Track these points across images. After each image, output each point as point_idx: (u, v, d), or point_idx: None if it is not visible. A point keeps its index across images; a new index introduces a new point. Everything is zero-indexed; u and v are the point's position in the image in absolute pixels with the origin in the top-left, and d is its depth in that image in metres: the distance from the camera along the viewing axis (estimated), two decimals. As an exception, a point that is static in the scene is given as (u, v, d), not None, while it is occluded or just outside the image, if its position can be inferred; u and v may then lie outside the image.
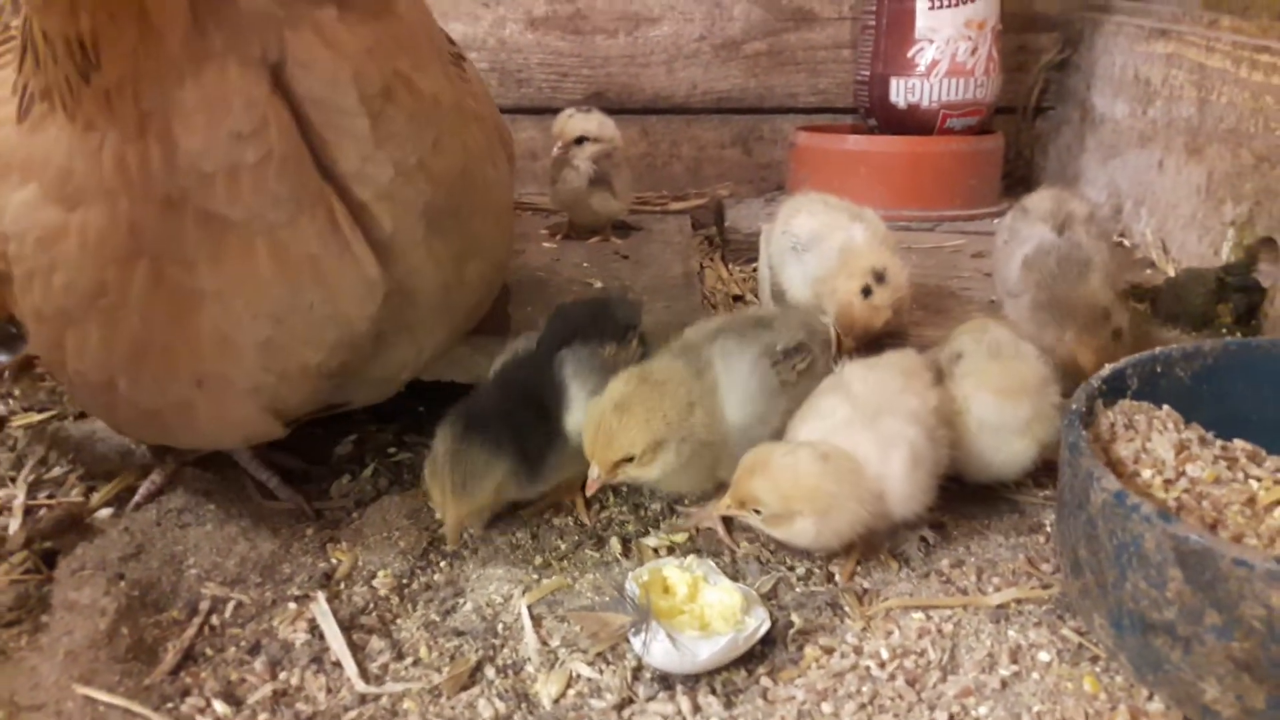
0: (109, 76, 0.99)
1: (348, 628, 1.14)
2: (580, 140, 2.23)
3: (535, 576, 1.22)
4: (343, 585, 1.22)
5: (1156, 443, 1.13)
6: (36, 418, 1.61)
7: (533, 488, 1.30)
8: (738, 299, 2.21)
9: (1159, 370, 1.21)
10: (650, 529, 1.32)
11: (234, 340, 1.09)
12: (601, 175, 2.27)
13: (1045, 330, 1.51)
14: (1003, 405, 1.29)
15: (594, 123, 2.25)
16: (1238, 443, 1.19)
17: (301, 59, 1.01)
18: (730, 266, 2.42)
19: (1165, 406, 1.19)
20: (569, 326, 1.36)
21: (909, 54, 2.43)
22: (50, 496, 1.41)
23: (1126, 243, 2.29)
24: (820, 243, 1.68)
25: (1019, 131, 2.85)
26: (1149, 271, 2.09)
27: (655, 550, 1.26)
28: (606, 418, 1.21)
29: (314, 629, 1.14)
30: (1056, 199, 1.73)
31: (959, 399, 1.31)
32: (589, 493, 1.30)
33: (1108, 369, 1.19)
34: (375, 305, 1.12)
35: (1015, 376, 1.30)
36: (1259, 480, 1.11)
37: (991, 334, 1.37)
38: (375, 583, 1.22)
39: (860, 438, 1.20)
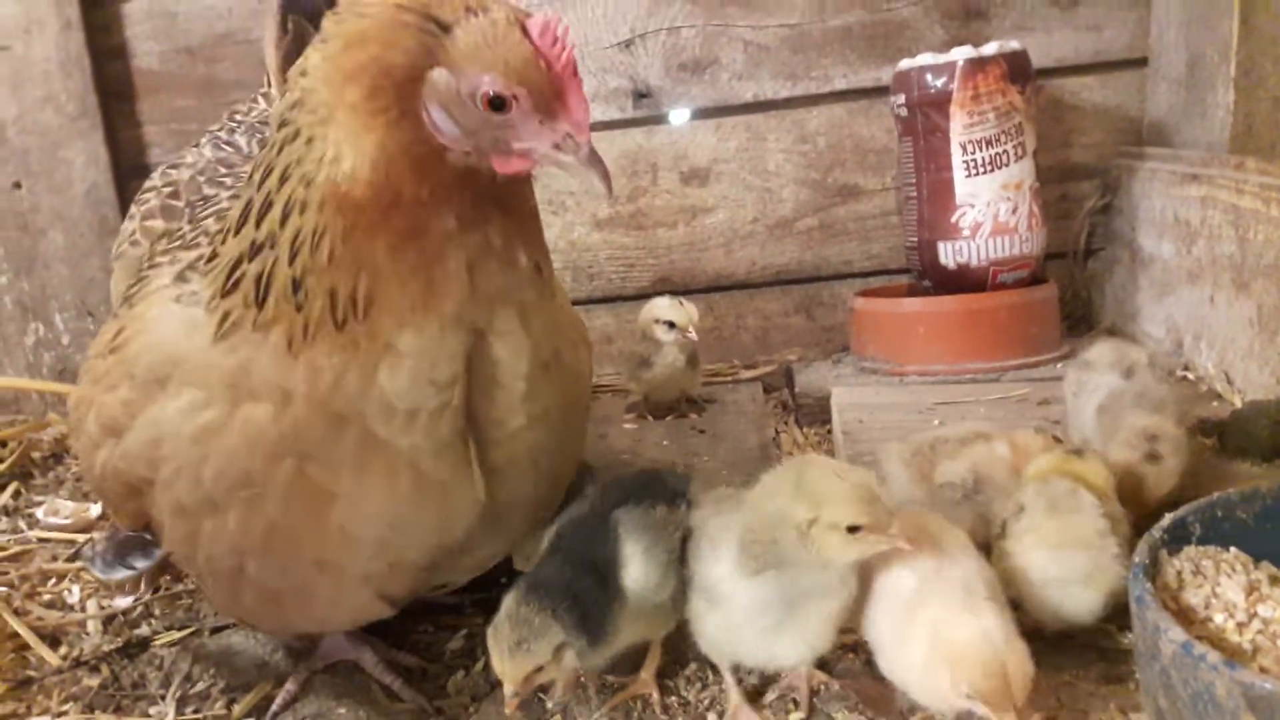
0: (371, 325, 1.15)
1: (476, 821, 1.22)
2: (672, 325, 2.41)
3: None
4: (467, 778, 1.31)
5: (1226, 586, 1.17)
6: (178, 635, 1.75)
7: (597, 654, 1.30)
8: (815, 465, 2.30)
9: (1220, 514, 1.27)
10: (752, 702, 1.38)
11: (355, 536, 1.25)
12: (694, 353, 2.44)
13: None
14: (1060, 559, 1.34)
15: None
16: (1310, 579, 1.22)
17: (501, 329, 1.20)
18: (805, 430, 2.53)
19: (1232, 549, 1.24)
20: (622, 492, 1.42)
21: (952, 219, 2.58)
22: (196, 711, 1.54)
23: (1191, 376, 2.34)
24: (991, 477, 1.59)
25: (1072, 274, 2.95)
26: (1215, 405, 2.13)
27: (757, 726, 1.33)
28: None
29: (445, 823, 1.22)
30: (1117, 349, 1.83)
31: (1017, 554, 1.37)
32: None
33: (1168, 518, 1.25)
34: (474, 520, 1.29)
35: (1070, 531, 1.35)
36: (1334, 616, 1.15)
37: (1050, 488, 1.42)
38: (496, 771, 1.31)
39: (942, 591, 1.25)
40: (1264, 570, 1.22)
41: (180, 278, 1.32)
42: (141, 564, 1.51)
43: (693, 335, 2.40)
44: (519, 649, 1.21)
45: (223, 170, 1.64)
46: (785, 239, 3.02)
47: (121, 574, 1.57)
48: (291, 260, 1.14)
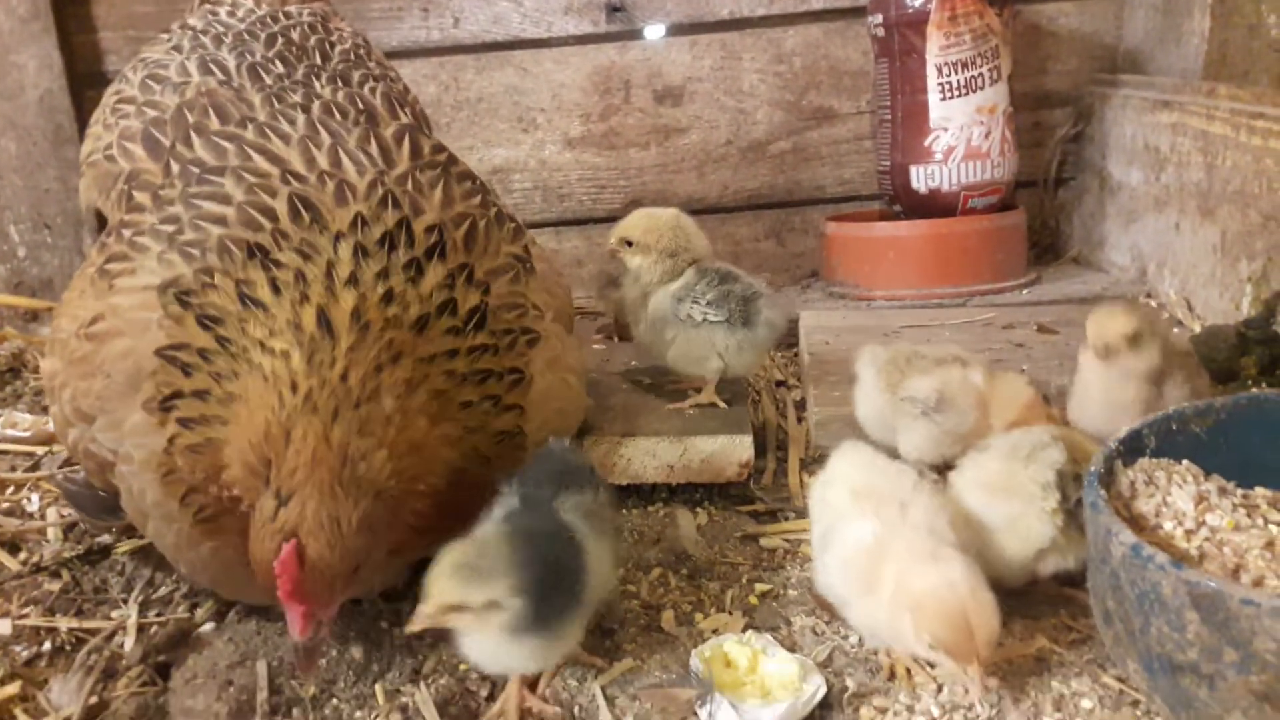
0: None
1: (438, 715, 1.24)
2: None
3: (606, 659, 1.31)
4: (430, 678, 1.32)
5: (1176, 496, 1.20)
6: (140, 542, 1.75)
7: (534, 639, 1.18)
8: (780, 384, 2.32)
9: (1174, 428, 1.29)
10: (713, 610, 1.41)
11: None
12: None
13: None
14: (988, 504, 1.32)
15: None
16: (1259, 490, 1.25)
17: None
18: (772, 353, 2.53)
19: (1185, 461, 1.26)
20: (547, 481, 1.30)
21: (925, 143, 2.56)
22: (159, 614, 1.54)
23: (1153, 303, 2.37)
24: (955, 401, 1.58)
25: (1042, 203, 2.96)
26: (1176, 330, 2.16)
27: (715, 630, 1.35)
28: None
29: (406, 717, 1.24)
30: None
31: (956, 486, 1.36)
32: None
33: (1124, 430, 1.26)
34: None
35: (1008, 478, 1.32)
36: (1279, 525, 1.17)
37: (1026, 435, 1.38)
38: (460, 674, 1.32)
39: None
40: (1214, 482, 1.24)
41: (164, 293, 1.30)
42: (117, 522, 1.56)
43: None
44: (456, 574, 1.13)
45: (214, 120, 1.50)
46: (758, 162, 2.99)
47: (104, 522, 1.64)
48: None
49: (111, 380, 1.34)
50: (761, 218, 3.04)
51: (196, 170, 1.43)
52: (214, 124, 1.51)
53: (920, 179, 2.59)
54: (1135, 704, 1.12)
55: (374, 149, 1.45)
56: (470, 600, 1.13)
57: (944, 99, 2.53)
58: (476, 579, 1.13)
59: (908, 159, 2.60)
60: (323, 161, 1.40)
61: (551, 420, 1.45)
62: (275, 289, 1.24)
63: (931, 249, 2.54)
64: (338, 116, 1.51)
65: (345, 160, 1.41)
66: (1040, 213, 2.95)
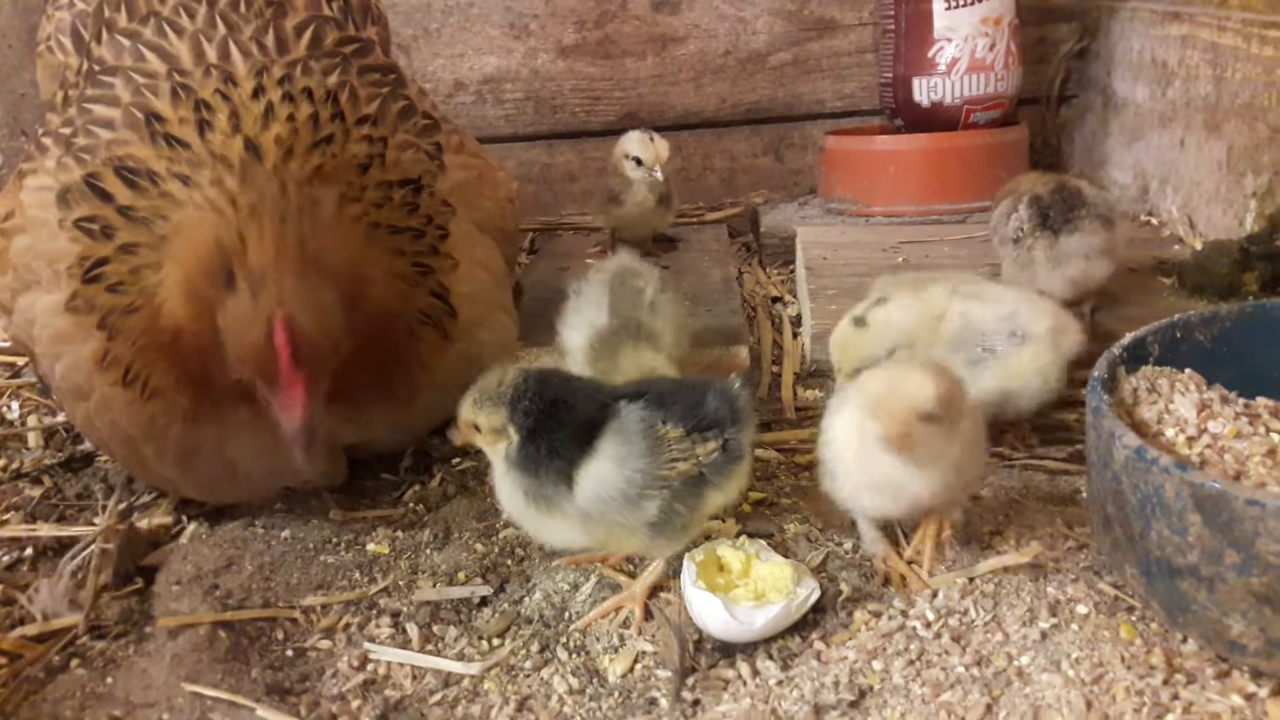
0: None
1: (428, 621, 1.23)
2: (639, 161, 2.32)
3: (595, 567, 1.30)
4: (420, 583, 1.31)
5: (1179, 403, 1.18)
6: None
7: (523, 481, 1.18)
8: (775, 300, 2.29)
9: (1179, 335, 1.26)
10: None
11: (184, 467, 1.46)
12: (666, 192, 2.36)
13: None
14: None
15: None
16: (1260, 400, 1.23)
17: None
18: (768, 270, 2.50)
19: (1187, 370, 1.24)
20: (644, 388, 1.21)
21: (929, 54, 2.49)
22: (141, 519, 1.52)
23: (1154, 221, 2.33)
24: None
25: (1044, 121, 2.90)
26: (1176, 247, 2.13)
27: (708, 536, 1.33)
28: None
29: (396, 623, 1.23)
30: None
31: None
32: None
33: (1128, 338, 1.24)
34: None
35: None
36: (1280, 433, 1.16)
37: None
38: (451, 579, 1.31)
39: None
40: (1216, 390, 1.22)
41: (64, 201, 1.33)
42: None
43: (658, 174, 2.32)
44: (471, 396, 1.20)
45: (123, 15, 1.50)
46: (757, 74, 2.91)
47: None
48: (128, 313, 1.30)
49: (17, 272, 1.42)
50: (760, 132, 2.97)
51: (97, 70, 1.45)
52: (122, 20, 1.51)
53: (923, 91, 2.52)
54: (1131, 610, 1.11)
55: (269, 40, 1.45)
56: (479, 421, 1.19)
57: (949, 8, 2.45)
58: (485, 402, 1.18)
59: (910, 71, 2.53)
60: (211, 55, 1.41)
61: (462, 306, 1.46)
62: (202, 128, 1.29)
63: (932, 164, 2.49)
64: (242, 9, 1.51)
65: (234, 52, 1.42)
66: (1042, 131, 2.88)
